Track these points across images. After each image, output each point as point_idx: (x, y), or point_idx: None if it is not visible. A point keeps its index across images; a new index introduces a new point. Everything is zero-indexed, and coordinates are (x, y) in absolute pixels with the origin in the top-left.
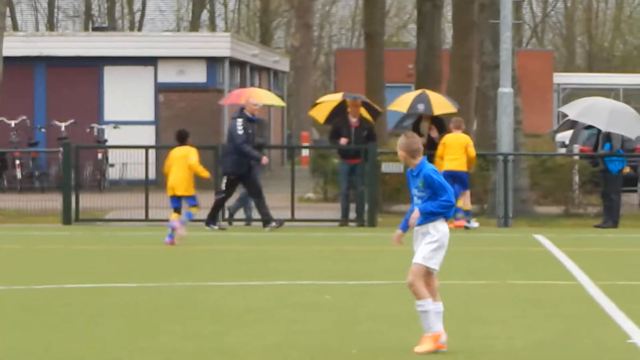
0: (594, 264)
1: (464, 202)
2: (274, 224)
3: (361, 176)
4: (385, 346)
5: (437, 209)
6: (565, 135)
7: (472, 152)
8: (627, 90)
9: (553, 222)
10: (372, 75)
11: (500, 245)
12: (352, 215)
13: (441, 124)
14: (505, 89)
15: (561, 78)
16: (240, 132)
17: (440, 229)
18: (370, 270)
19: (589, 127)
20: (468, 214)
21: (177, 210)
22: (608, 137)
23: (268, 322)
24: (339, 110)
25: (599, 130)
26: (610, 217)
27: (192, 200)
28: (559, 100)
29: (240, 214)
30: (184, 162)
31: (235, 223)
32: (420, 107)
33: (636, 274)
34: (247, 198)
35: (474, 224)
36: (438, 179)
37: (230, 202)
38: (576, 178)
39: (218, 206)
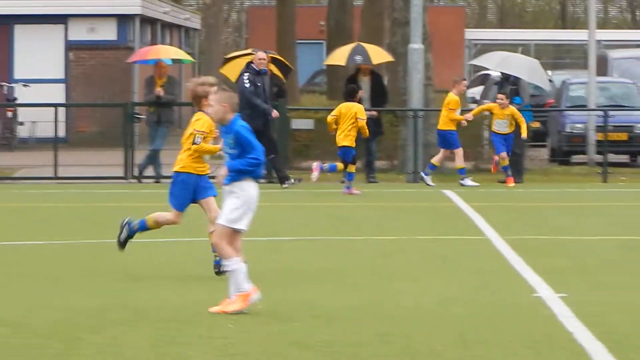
0: (502, 219)
1: (457, 161)
2: (292, 180)
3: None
4: (290, 300)
5: (245, 166)
6: (475, 91)
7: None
8: (539, 45)
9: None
10: (284, 32)
11: (409, 201)
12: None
13: (378, 78)
14: (416, 45)
15: (473, 34)
16: (247, 85)
17: (245, 188)
18: (281, 226)
19: (499, 83)
20: (462, 172)
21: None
22: (517, 91)
23: (174, 279)
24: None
25: (502, 84)
26: (516, 171)
27: None
28: (470, 56)
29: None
30: None
31: (144, 180)
32: (358, 58)
33: (543, 228)
34: (156, 155)
35: (470, 182)
36: (247, 137)
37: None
38: (485, 133)
39: (276, 164)
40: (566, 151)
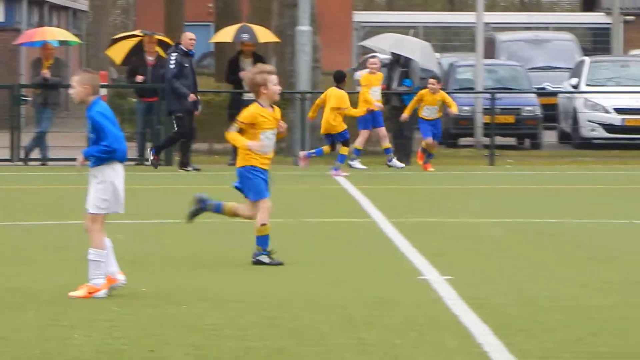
0: (390, 202)
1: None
2: (189, 168)
3: (158, 115)
4: (177, 283)
5: (97, 153)
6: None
7: None
8: (427, 28)
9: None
10: (172, 13)
11: (295, 184)
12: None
13: (261, 60)
14: (304, 28)
15: (361, 16)
16: (172, 66)
17: (107, 173)
18: (166, 209)
19: (388, 65)
20: (357, 153)
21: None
22: (407, 73)
23: (61, 261)
24: (136, 50)
25: (392, 66)
26: (404, 155)
27: None
28: (358, 39)
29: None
30: None
31: (31, 162)
32: (245, 36)
33: (429, 210)
34: (42, 137)
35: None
36: (101, 122)
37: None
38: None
39: (168, 143)
40: (454, 134)
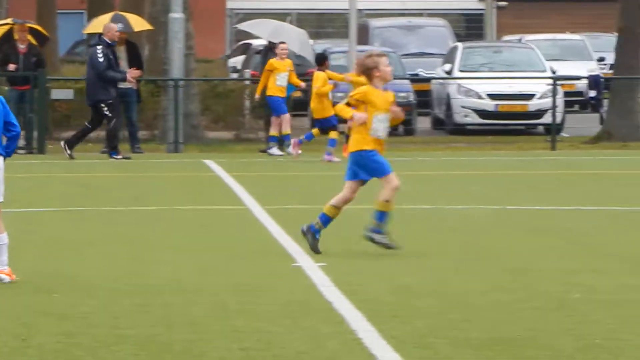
0: (263, 189)
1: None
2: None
3: (30, 103)
4: (49, 271)
5: (15, 144)
6: (237, 61)
7: None
8: (301, 14)
9: (224, 147)
10: (44, 2)
11: (169, 171)
12: (21, 142)
13: (134, 47)
14: (176, 15)
15: (234, 3)
16: (101, 59)
17: None
18: (38, 197)
19: (262, 52)
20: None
21: None
22: None
23: None
24: (7, 38)
25: (266, 53)
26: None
27: None
28: (232, 25)
29: None
30: None
31: None
32: (120, 26)
33: (304, 197)
34: None
35: (277, 151)
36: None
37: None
38: (247, 103)
39: (112, 135)
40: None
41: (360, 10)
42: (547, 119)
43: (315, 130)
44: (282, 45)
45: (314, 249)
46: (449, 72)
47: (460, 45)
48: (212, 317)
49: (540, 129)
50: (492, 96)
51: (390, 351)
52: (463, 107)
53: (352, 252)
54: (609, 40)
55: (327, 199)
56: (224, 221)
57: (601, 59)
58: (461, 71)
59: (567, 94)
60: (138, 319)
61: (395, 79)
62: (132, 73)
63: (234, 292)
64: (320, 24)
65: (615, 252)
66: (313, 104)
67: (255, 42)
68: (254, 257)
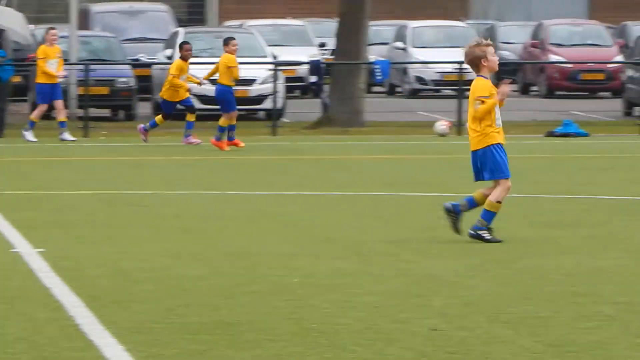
0: None
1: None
2: None
3: None
4: None
5: None
6: None
7: None
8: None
9: None
10: None
11: None
12: None
13: None
14: None
15: None
16: None
17: None
18: None
19: None
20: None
21: None
22: (1, 44)
23: None
24: None
25: None
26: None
27: None
28: None
29: None
30: None
31: None
32: None
33: (23, 183)
34: None
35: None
36: None
37: None
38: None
39: None
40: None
41: None
42: (268, 104)
43: (158, 118)
44: (52, 32)
45: (454, 229)
46: (169, 57)
47: (181, 30)
48: None
49: (262, 114)
50: (213, 81)
51: (109, 337)
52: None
53: (71, 238)
54: (330, 25)
55: (46, 184)
56: None
57: (322, 45)
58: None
59: (288, 79)
60: None
61: (115, 64)
62: None
63: None
64: (41, 9)
65: (332, 236)
66: (164, 89)
67: None
68: None
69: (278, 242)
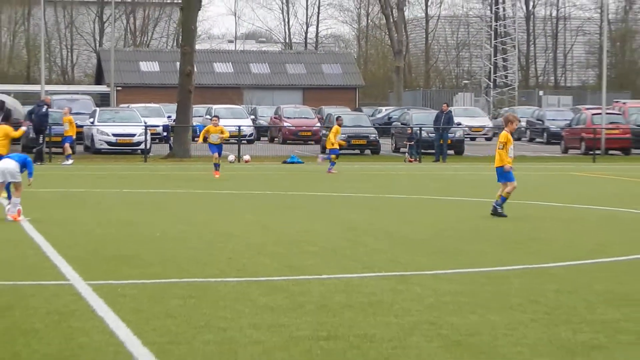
0: None
1: None
2: None
3: None
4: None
5: None
6: None
7: None
8: None
9: None
10: None
11: None
12: None
13: None
14: None
15: None
16: None
17: None
18: None
19: None
20: None
21: None
22: (10, 116)
23: None
24: None
25: None
26: None
27: None
28: None
29: None
30: None
31: None
32: None
33: None
34: None
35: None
36: None
37: None
38: None
39: None
40: None
41: None
42: (142, 146)
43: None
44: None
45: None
46: (92, 123)
47: (98, 109)
48: None
49: (139, 151)
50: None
51: None
52: None
53: None
54: (173, 106)
55: None
56: None
57: (169, 116)
58: None
59: (152, 134)
60: None
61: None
62: None
63: None
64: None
65: None
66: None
67: None
68: None
69: None
